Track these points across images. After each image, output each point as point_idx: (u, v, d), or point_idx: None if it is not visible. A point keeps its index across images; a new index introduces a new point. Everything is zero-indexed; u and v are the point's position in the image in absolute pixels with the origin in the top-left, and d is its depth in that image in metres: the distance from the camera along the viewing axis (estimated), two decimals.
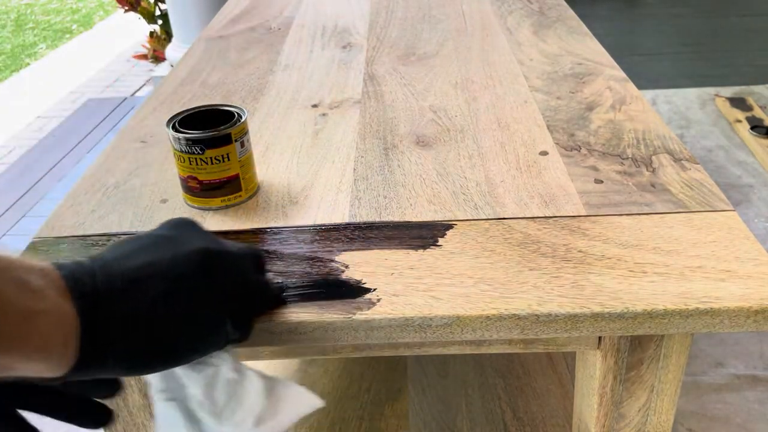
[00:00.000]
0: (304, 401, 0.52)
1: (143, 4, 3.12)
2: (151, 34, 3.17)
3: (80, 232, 0.69)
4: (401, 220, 0.68)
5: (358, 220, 0.68)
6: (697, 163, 0.74)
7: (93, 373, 0.42)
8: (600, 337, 0.61)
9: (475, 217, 0.67)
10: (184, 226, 0.51)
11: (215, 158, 0.68)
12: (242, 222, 0.69)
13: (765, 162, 2.01)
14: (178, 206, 0.72)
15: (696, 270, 0.58)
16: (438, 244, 0.63)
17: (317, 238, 0.66)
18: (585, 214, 0.67)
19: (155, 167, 0.81)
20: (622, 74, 0.99)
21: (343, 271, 0.60)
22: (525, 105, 0.91)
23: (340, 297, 0.57)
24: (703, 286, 0.56)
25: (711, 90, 2.50)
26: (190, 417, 0.48)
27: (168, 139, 0.70)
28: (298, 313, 0.56)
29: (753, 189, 1.90)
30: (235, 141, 0.69)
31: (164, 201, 0.74)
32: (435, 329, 0.55)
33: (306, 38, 1.23)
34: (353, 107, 0.94)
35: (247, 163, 0.72)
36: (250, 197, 0.73)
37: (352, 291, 0.58)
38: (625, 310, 0.54)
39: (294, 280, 0.60)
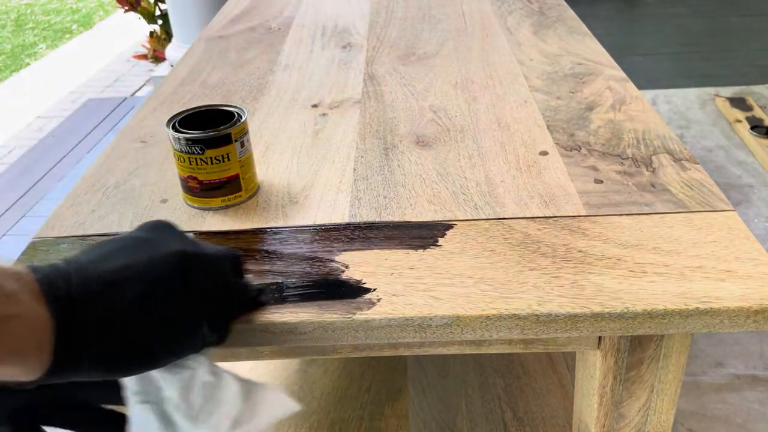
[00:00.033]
0: (281, 404, 0.52)
1: (143, 4, 3.12)
2: (151, 34, 3.17)
3: (80, 232, 0.69)
4: (401, 220, 0.68)
5: (358, 220, 0.68)
6: (697, 163, 0.74)
7: (68, 377, 0.42)
8: (600, 337, 0.61)
9: (475, 217, 0.67)
10: (162, 228, 0.51)
11: (215, 158, 0.68)
12: (242, 222, 0.69)
13: (765, 162, 2.01)
14: (178, 206, 0.72)
15: (696, 270, 0.58)
16: (438, 244, 0.63)
17: (317, 238, 0.66)
18: (585, 214, 0.67)
19: (155, 167, 0.81)
20: (622, 74, 0.99)
21: (343, 271, 0.60)
22: (525, 105, 0.91)
23: (340, 297, 0.57)
24: (703, 286, 0.56)
25: (711, 90, 2.50)
26: (166, 420, 0.48)
27: (168, 139, 0.70)
28: (298, 313, 0.56)
29: (753, 189, 1.90)
30: (235, 141, 0.69)
31: (164, 201, 0.74)
32: (435, 329, 0.55)
33: (306, 38, 1.23)
34: (353, 107, 0.94)
35: (247, 163, 0.72)
36: (250, 197, 0.73)
37: (352, 291, 0.58)
38: (625, 310, 0.54)
39: (294, 280, 0.60)
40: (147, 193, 0.75)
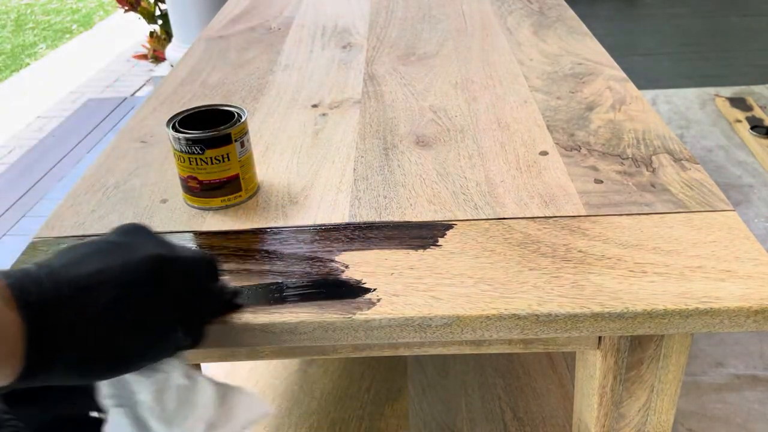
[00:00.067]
0: (256, 408, 0.52)
1: (143, 4, 3.12)
2: (151, 34, 3.17)
3: (80, 232, 0.69)
4: (401, 220, 0.68)
5: (358, 220, 0.68)
6: (697, 163, 0.74)
7: (41, 381, 0.42)
8: (600, 337, 0.61)
9: (475, 217, 0.67)
10: (136, 232, 0.51)
11: (215, 158, 0.68)
12: (242, 222, 0.69)
13: (765, 162, 2.01)
14: (178, 206, 0.72)
15: (696, 270, 0.58)
16: (438, 244, 0.63)
17: (317, 238, 0.66)
18: (585, 214, 0.67)
19: (155, 167, 0.81)
20: (622, 74, 0.99)
21: (343, 271, 0.60)
22: (525, 105, 0.91)
23: (340, 297, 0.57)
24: (703, 286, 0.56)
25: (711, 90, 2.50)
26: (140, 424, 0.48)
27: (168, 139, 0.70)
28: (298, 313, 0.56)
29: (753, 189, 1.90)
30: (235, 141, 0.69)
31: (164, 201, 0.74)
32: (435, 329, 0.55)
33: (306, 38, 1.23)
34: (353, 107, 0.94)
35: (247, 163, 0.72)
36: (250, 197, 0.73)
37: (352, 291, 0.58)
38: (625, 310, 0.54)
39: (294, 280, 0.60)
40: (147, 193, 0.75)
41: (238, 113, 0.71)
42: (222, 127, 0.68)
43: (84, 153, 2.45)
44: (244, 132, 0.70)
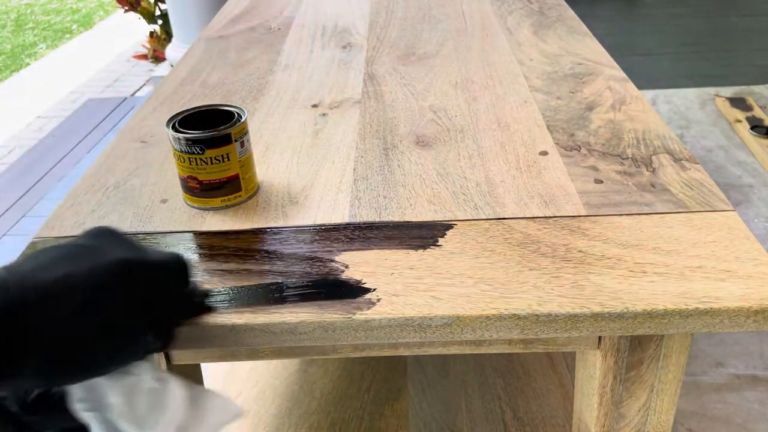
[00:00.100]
0: (228, 410, 0.52)
1: (143, 4, 3.12)
2: (151, 34, 3.17)
3: (80, 232, 0.69)
4: (401, 220, 0.68)
5: (358, 220, 0.68)
6: (697, 163, 0.74)
7: (8, 386, 0.42)
8: (600, 337, 0.61)
9: (475, 217, 0.67)
10: (106, 235, 0.51)
11: (215, 158, 0.68)
12: (242, 222, 0.69)
13: (765, 162, 2.01)
14: (178, 206, 0.72)
15: (696, 270, 0.58)
16: (438, 244, 0.63)
17: (317, 238, 0.66)
18: (585, 214, 0.67)
19: (155, 167, 0.81)
20: (622, 74, 0.99)
21: (343, 271, 0.60)
22: (525, 105, 0.91)
23: (340, 297, 0.57)
24: (703, 286, 0.56)
25: (711, 90, 2.50)
26: (110, 428, 0.48)
27: (168, 139, 0.70)
28: (298, 313, 0.56)
29: (753, 189, 1.90)
30: (235, 141, 0.69)
31: (164, 201, 0.74)
32: (435, 329, 0.55)
33: (306, 38, 1.23)
34: (353, 107, 0.94)
35: (247, 163, 0.72)
36: (250, 197, 0.73)
37: (352, 291, 0.58)
38: (625, 310, 0.54)
39: (294, 280, 0.60)
40: (147, 193, 0.75)
41: (238, 113, 0.71)
42: (222, 127, 0.68)
43: (84, 153, 2.45)
44: (244, 132, 0.70)
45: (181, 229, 0.68)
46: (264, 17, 1.36)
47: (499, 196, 0.70)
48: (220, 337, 0.56)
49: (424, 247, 0.63)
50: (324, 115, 0.92)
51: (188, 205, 0.72)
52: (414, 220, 0.67)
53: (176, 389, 0.49)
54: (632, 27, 3.34)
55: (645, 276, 0.57)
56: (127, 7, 3.12)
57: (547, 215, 0.67)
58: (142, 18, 3.16)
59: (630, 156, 0.77)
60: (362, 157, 0.80)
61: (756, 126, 2.18)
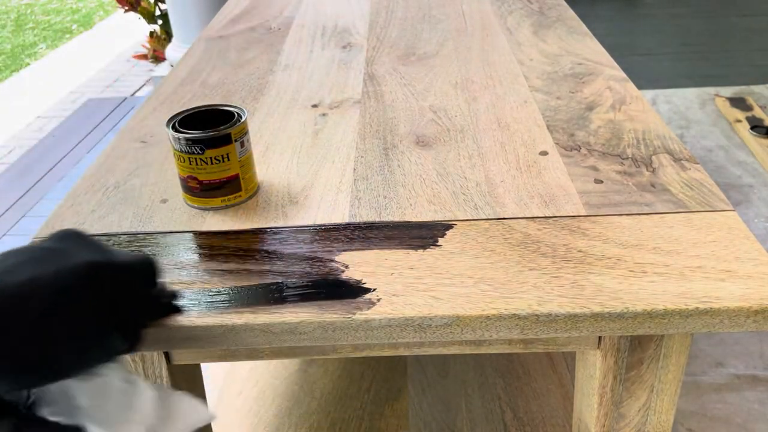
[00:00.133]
0: (198, 413, 0.52)
1: (143, 4, 3.12)
2: (151, 34, 3.17)
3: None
4: (401, 220, 0.68)
5: (358, 220, 0.68)
6: (697, 163, 0.74)
7: None
8: (600, 337, 0.61)
9: (475, 217, 0.67)
10: (71, 238, 0.51)
11: (215, 158, 0.68)
12: (242, 222, 0.69)
13: (765, 162, 2.01)
14: (178, 206, 0.72)
15: (696, 270, 0.58)
16: (438, 244, 0.63)
17: (317, 238, 0.66)
18: (585, 214, 0.67)
19: (155, 167, 0.81)
20: (622, 74, 0.99)
21: (343, 271, 0.60)
22: (525, 105, 0.91)
23: (340, 297, 0.57)
24: (703, 286, 0.56)
25: (711, 90, 2.50)
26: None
27: (168, 139, 0.70)
28: (298, 313, 0.56)
29: (753, 189, 1.90)
30: (235, 141, 0.69)
31: (164, 201, 0.74)
32: (435, 329, 0.55)
33: (306, 38, 1.23)
34: (353, 107, 0.94)
35: (247, 163, 0.72)
36: (250, 197, 0.73)
37: (352, 291, 0.58)
38: (625, 310, 0.54)
39: (294, 280, 0.60)
40: (147, 193, 0.75)
41: (238, 113, 0.71)
42: (222, 127, 0.68)
43: (84, 153, 2.45)
44: (244, 132, 0.70)
45: (181, 229, 0.68)
46: (264, 17, 1.36)
47: (499, 196, 0.70)
48: (220, 337, 0.56)
49: (424, 247, 0.63)
50: (324, 115, 0.92)
51: (188, 205, 0.72)
52: (414, 220, 0.67)
53: (145, 391, 0.50)
54: (632, 27, 3.34)
55: (645, 276, 0.57)
56: (127, 7, 3.12)
57: (547, 215, 0.67)
58: (142, 18, 3.16)
59: (630, 156, 0.77)
60: (362, 157, 0.80)
61: (756, 126, 2.18)
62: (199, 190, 0.70)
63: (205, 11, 2.62)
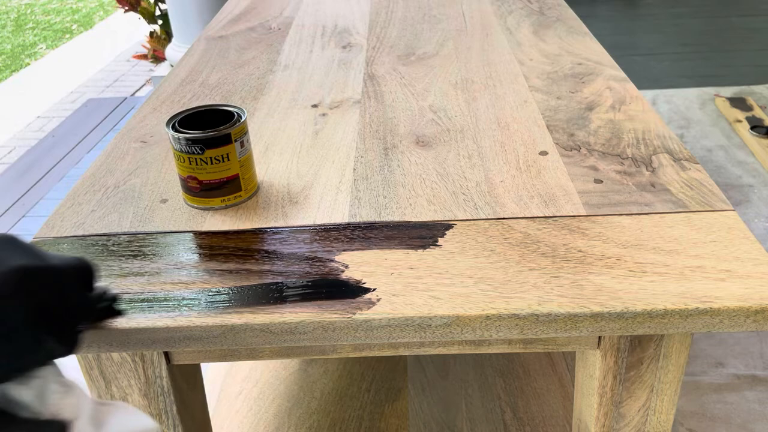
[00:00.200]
0: (134, 421, 0.52)
1: (143, 4, 3.12)
2: (151, 34, 3.17)
3: (80, 232, 0.69)
4: (401, 220, 0.68)
5: (357, 220, 0.68)
6: (697, 163, 0.74)
7: None
8: (600, 337, 0.61)
9: (475, 217, 0.67)
10: (3, 243, 0.51)
11: (215, 158, 0.68)
12: (242, 222, 0.69)
13: (765, 162, 2.01)
14: (178, 206, 0.72)
15: (696, 270, 0.58)
16: (438, 244, 0.63)
17: (317, 238, 0.66)
18: (585, 213, 0.67)
19: (155, 167, 0.81)
20: (622, 74, 0.99)
21: (342, 271, 0.60)
22: (525, 105, 0.91)
23: (340, 297, 0.57)
24: (702, 286, 0.56)
25: (711, 90, 2.50)
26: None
27: (168, 139, 0.70)
28: (298, 313, 0.56)
29: (753, 189, 1.90)
30: (235, 141, 0.69)
31: (164, 201, 0.74)
32: (435, 329, 0.55)
33: (306, 38, 1.23)
34: (353, 107, 0.94)
35: (247, 163, 0.72)
36: (250, 197, 0.73)
37: (352, 291, 0.58)
38: (625, 310, 0.54)
39: (294, 280, 0.60)
40: (147, 193, 0.75)
41: (238, 113, 0.71)
42: (222, 127, 0.68)
43: (84, 153, 2.45)
44: (244, 132, 0.70)
45: (181, 229, 0.68)
46: (264, 17, 1.36)
47: (499, 196, 0.70)
48: (220, 337, 0.56)
49: (423, 246, 0.63)
50: (324, 115, 0.92)
51: (188, 205, 0.72)
52: (414, 219, 0.67)
53: (81, 396, 0.50)
54: (632, 27, 3.34)
55: (645, 276, 0.57)
56: (127, 7, 3.12)
57: (546, 215, 0.67)
58: (142, 18, 3.16)
59: (630, 156, 0.77)
60: (362, 157, 0.80)
61: (756, 126, 2.18)
62: (199, 190, 0.70)
63: (205, 11, 2.62)
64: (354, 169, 0.78)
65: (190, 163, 0.69)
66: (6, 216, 2.10)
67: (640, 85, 2.51)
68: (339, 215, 0.69)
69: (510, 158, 0.78)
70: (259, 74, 1.07)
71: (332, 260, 0.62)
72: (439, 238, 0.64)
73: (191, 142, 0.67)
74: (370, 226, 0.67)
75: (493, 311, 0.55)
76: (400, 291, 0.57)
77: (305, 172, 0.78)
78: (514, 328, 0.55)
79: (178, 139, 0.67)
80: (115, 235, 0.68)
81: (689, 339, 0.61)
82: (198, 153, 0.68)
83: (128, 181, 0.78)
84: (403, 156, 0.80)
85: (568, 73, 1.00)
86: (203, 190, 0.70)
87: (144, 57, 3.23)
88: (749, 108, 2.32)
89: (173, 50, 2.83)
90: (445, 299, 0.56)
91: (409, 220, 0.67)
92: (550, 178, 0.73)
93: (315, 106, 0.95)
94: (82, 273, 0.53)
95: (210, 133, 0.67)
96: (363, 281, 0.59)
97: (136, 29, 3.68)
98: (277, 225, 0.68)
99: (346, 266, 0.61)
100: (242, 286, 0.59)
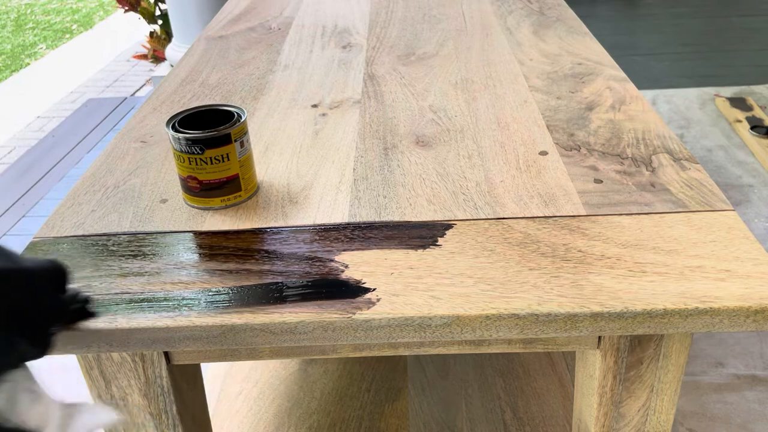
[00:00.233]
0: (98, 416, 0.52)
1: (143, 4, 3.12)
2: (151, 34, 3.17)
3: (80, 232, 0.69)
4: (401, 219, 0.68)
5: (357, 219, 0.68)
6: (697, 163, 0.74)
7: None
8: (600, 337, 0.61)
9: (475, 217, 0.67)
10: None
11: (215, 158, 0.68)
12: (242, 222, 0.69)
13: (765, 162, 2.01)
14: (178, 206, 0.72)
15: (696, 270, 0.58)
16: (437, 243, 0.63)
17: (317, 237, 0.66)
18: (585, 213, 0.67)
19: (155, 167, 0.81)
20: (622, 74, 0.99)
21: (342, 271, 0.60)
22: (525, 105, 0.91)
23: (340, 297, 0.57)
24: (702, 286, 0.56)
25: (711, 90, 2.50)
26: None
27: (168, 139, 0.70)
28: (298, 313, 0.56)
29: (753, 189, 1.90)
30: (235, 141, 0.69)
31: (164, 201, 0.74)
32: (435, 329, 0.55)
33: (306, 38, 1.23)
34: (353, 107, 0.94)
35: (247, 163, 0.72)
36: (250, 197, 0.73)
37: (352, 291, 0.58)
38: (625, 310, 0.54)
39: (294, 280, 0.60)
40: (147, 193, 0.75)
41: (237, 113, 0.71)
42: (222, 127, 0.68)
43: (84, 153, 2.45)
44: (244, 132, 0.70)
45: (181, 229, 0.68)
46: (264, 17, 1.36)
47: (499, 196, 0.70)
48: (220, 337, 0.56)
49: (423, 246, 0.63)
50: (324, 115, 0.92)
51: (188, 205, 0.72)
52: (414, 219, 0.67)
53: (50, 403, 0.50)
54: (632, 27, 3.34)
55: (645, 276, 0.57)
56: (127, 7, 3.12)
57: (546, 215, 0.67)
58: (142, 18, 3.16)
59: (630, 156, 0.77)
60: (362, 157, 0.80)
61: (756, 126, 2.18)
62: (199, 190, 0.70)
63: (205, 11, 2.62)
64: (354, 169, 0.78)
65: (190, 163, 0.69)
66: (6, 216, 2.10)
67: (640, 85, 2.51)
68: (339, 215, 0.69)
69: (510, 158, 0.78)
70: (259, 74, 1.07)
71: (332, 260, 0.62)
72: (439, 238, 0.64)
73: (191, 142, 0.67)
74: (370, 226, 0.67)
75: (493, 311, 0.55)
76: (400, 291, 0.57)
77: (305, 172, 0.78)
78: (514, 328, 0.55)
79: (178, 139, 0.67)
80: (115, 235, 0.68)
81: (689, 339, 0.61)
82: (198, 153, 0.68)
83: (128, 181, 0.78)
84: (403, 156, 0.80)
85: (568, 73, 1.00)
86: (203, 190, 0.70)
87: (144, 57, 3.23)
88: (749, 108, 2.32)
89: (173, 50, 2.83)
90: (445, 299, 0.56)
91: (409, 220, 0.67)
92: (550, 178, 0.73)
93: (315, 106, 0.95)
94: (54, 275, 0.53)
95: (210, 133, 0.67)
96: (363, 281, 0.59)
97: (136, 29, 3.68)
98: (277, 225, 0.68)
99: (346, 266, 0.61)
100: (242, 286, 0.59)
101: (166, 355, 0.64)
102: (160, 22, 3.15)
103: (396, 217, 0.68)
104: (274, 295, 0.58)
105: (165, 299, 0.59)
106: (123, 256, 0.65)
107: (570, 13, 1.28)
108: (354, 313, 0.55)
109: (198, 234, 0.68)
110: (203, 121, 0.71)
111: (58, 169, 2.37)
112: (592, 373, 0.64)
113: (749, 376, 1.28)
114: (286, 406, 1.00)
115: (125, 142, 0.88)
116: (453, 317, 0.55)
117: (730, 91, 2.47)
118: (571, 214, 0.67)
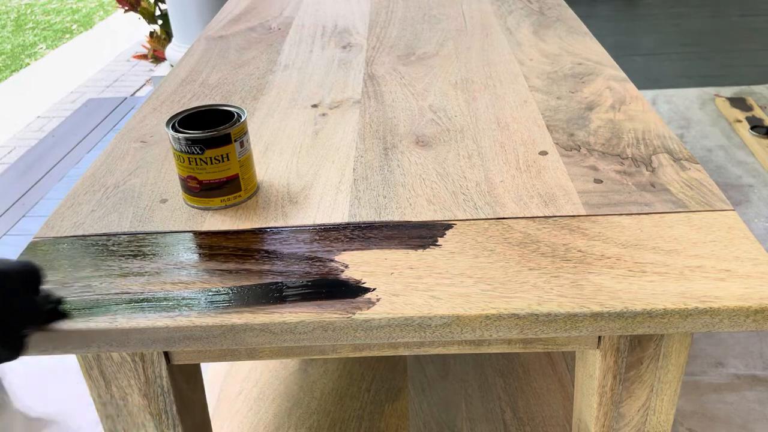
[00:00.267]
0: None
1: (143, 4, 3.12)
2: (151, 34, 3.17)
3: (80, 232, 0.69)
4: (401, 219, 0.68)
5: (357, 219, 0.68)
6: (697, 163, 0.74)
7: None
8: (600, 337, 0.61)
9: (475, 217, 0.67)
10: None
11: (215, 158, 0.68)
12: (242, 222, 0.69)
13: (765, 162, 2.01)
14: (178, 206, 0.72)
15: (695, 270, 0.58)
16: (437, 243, 0.63)
17: (317, 237, 0.66)
18: (584, 213, 0.67)
19: (155, 167, 0.81)
20: (622, 74, 0.99)
21: (342, 271, 0.60)
22: (525, 105, 0.91)
23: (340, 297, 0.57)
24: (702, 286, 0.56)
25: (711, 90, 2.50)
26: None
27: (168, 139, 0.70)
28: (298, 313, 0.56)
29: (753, 189, 1.90)
30: (235, 141, 0.69)
31: (164, 201, 0.74)
32: (435, 329, 0.55)
33: (306, 38, 1.23)
34: (353, 107, 0.94)
35: (247, 163, 0.72)
36: (250, 197, 0.73)
37: (352, 291, 0.58)
38: (625, 310, 0.54)
39: (294, 280, 0.60)
40: (147, 193, 0.75)
41: (237, 113, 0.71)
42: (222, 127, 0.68)
43: (84, 153, 2.45)
44: (244, 132, 0.70)
45: (180, 229, 0.68)
46: (264, 17, 1.36)
47: (499, 196, 0.70)
48: (220, 337, 0.56)
49: (423, 246, 0.63)
50: (324, 115, 0.92)
51: (188, 205, 0.72)
52: (414, 219, 0.67)
53: (14, 414, 0.50)
54: (632, 27, 3.34)
55: (645, 276, 0.57)
56: (127, 7, 3.12)
57: (546, 215, 0.67)
58: (142, 18, 3.16)
59: (630, 156, 0.77)
60: (362, 157, 0.80)
61: (756, 126, 2.18)
62: (199, 190, 0.70)
63: (205, 11, 2.62)
64: (354, 169, 0.78)
65: (190, 163, 0.69)
66: (6, 216, 2.10)
67: (640, 85, 2.51)
68: (339, 215, 0.69)
69: (510, 158, 0.78)
70: (259, 74, 1.07)
71: (332, 260, 0.62)
72: (438, 238, 0.64)
73: (191, 142, 0.67)
74: (370, 226, 0.67)
75: (493, 311, 0.55)
76: (400, 291, 0.57)
77: (305, 172, 0.78)
78: (514, 328, 0.55)
79: (178, 139, 0.67)
80: (114, 235, 0.68)
81: (689, 339, 0.61)
82: (198, 153, 0.68)
83: (128, 181, 0.78)
84: (402, 156, 0.80)
85: (568, 73, 1.00)
86: (203, 190, 0.70)
87: (144, 57, 3.23)
88: (749, 108, 2.32)
89: (173, 50, 2.83)
90: (444, 299, 0.56)
91: (409, 220, 0.67)
92: (550, 178, 0.73)
93: (315, 106, 0.95)
94: (26, 277, 0.53)
95: (210, 133, 0.67)
96: (363, 281, 0.59)
97: (136, 29, 3.68)
98: (276, 225, 0.68)
99: (346, 266, 0.61)
100: (242, 286, 0.59)
101: (166, 355, 0.64)
102: (160, 22, 3.15)
103: (396, 217, 0.68)
104: (274, 295, 0.58)
105: (165, 299, 0.59)
106: (123, 256, 0.65)
107: (570, 13, 1.28)
108: (354, 313, 0.55)
109: (198, 234, 0.68)
110: (203, 121, 0.71)
111: (58, 169, 2.37)
112: (592, 373, 0.64)
113: (749, 376, 1.28)
114: (286, 406, 1.00)
115: (125, 142, 0.88)
116: (453, 317, 0.55)
117: (730, 91, 2.47)
118: (571, 214, 0.67)
